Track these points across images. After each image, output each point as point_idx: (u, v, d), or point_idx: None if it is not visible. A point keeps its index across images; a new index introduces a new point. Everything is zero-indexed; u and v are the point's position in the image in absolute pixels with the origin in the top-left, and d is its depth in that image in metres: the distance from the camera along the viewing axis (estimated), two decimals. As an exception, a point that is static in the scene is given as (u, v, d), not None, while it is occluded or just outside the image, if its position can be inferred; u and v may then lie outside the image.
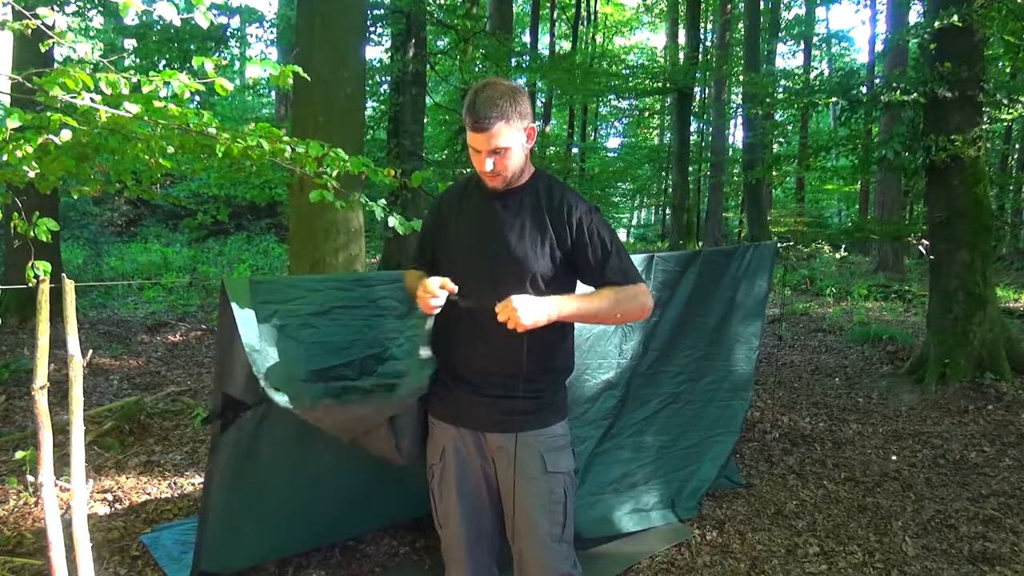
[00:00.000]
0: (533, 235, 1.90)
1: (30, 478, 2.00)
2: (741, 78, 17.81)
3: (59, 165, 2.21)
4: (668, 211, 23.54)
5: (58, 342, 3.26)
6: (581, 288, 2.00)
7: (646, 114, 26.25)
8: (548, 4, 20.76)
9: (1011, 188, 15.43)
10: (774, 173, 16.23)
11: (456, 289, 1.85)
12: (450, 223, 2.00)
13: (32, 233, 2.19)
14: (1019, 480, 3.85)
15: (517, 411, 1.92)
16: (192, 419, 4.62)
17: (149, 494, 3.53)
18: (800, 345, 7.63)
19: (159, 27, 8.01)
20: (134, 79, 1.96)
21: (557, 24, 22.19)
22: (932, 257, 5.85)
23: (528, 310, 1.73)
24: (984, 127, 5.81)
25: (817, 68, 22.68)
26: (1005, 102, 6.02)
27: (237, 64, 17.84)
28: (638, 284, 1.92)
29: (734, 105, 21.67)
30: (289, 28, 9.94)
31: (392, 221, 2.64)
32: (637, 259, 3.07)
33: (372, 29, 10.64)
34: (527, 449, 1.92)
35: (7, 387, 5.18)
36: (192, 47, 8.41)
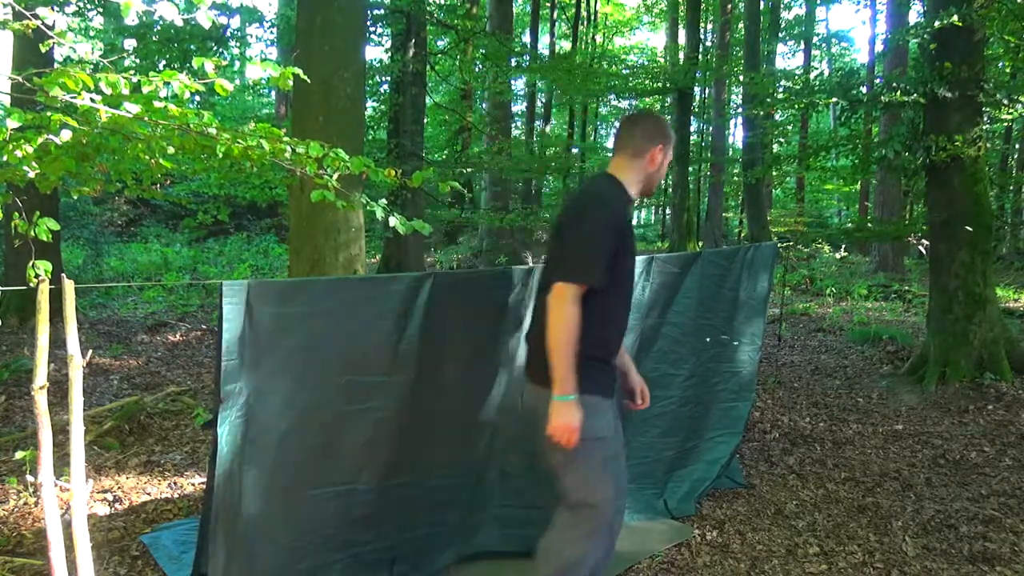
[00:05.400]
0: None
1: (30, 478, 2.00)
2: (741, 78, 17.81)
3: (59, 165, 2.21)
4: (668, 211, 23.53)
5: (58, 342, 3.26)
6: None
7: (646, 114, 26.17)
8: (548, 4, 20.75)
9: (1011, 188, 15.42)
10: (774, 173, 16.26)
11: None
12: (627, 226, 2.29)
13: (32, 233, 2.19)
14: (1019, 480, 3.85)
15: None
16: (192, 419, 4.62)
17: (149, 494, 3.53)
18: (800, 345, 7.63)
19: (159, 27, 8.00)
20: (134, 79, 1.96)
21: (557, 24, 22.17)
22: (932, 257, 5.85)
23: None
24: (984, 127, 5.81)
25: (817, 68, 22.64)
26: (1005, 102, 6.02)
27: (237, 64, 17.81)
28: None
29: (734, 105, 21.67)
30: (289, 28, 9.94)
31: (393, 221, 2.63)
32: (636, 261, 3.06)
33: (372, 29, 10.64)
34: None
35: (7, 387, 5.18)
36: (192, 47, 8.40)
